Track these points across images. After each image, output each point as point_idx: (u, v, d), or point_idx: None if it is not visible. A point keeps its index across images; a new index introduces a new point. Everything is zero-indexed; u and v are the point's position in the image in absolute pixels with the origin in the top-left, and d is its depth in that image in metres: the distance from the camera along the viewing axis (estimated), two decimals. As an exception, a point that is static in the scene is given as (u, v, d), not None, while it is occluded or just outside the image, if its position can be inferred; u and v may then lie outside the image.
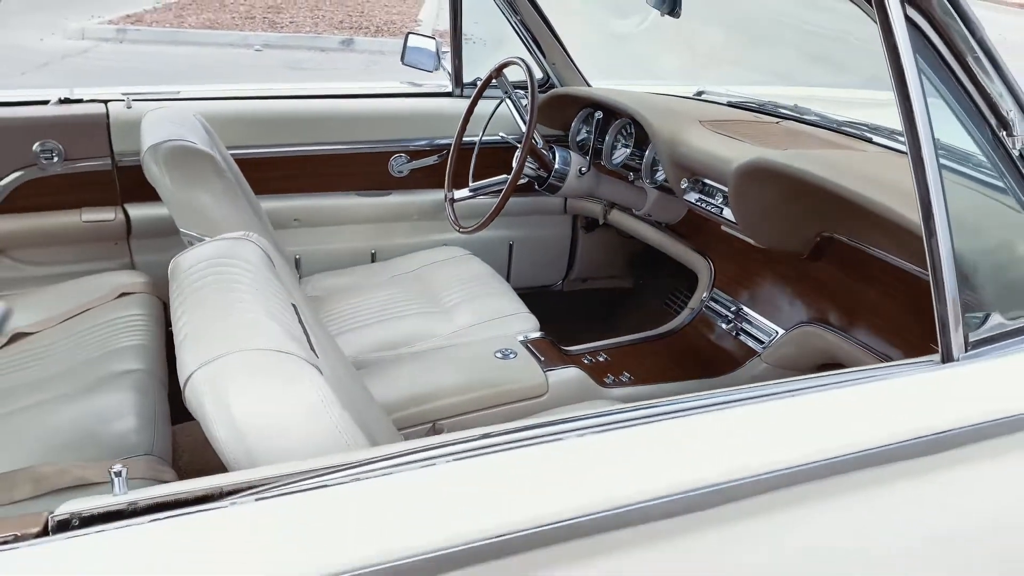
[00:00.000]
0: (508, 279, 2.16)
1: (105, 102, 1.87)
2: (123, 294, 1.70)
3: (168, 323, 1.61)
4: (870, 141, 1.63)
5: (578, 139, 2.11)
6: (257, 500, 0.60)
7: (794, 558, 0.75)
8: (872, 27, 0.83)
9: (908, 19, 0.82)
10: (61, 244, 1.88)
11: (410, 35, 2.22)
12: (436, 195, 2.13)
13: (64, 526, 0.56)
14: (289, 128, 2.03)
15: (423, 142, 2.15)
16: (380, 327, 1.70)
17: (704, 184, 1.69)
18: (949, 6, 0.82)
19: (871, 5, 0.82)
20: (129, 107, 1.86)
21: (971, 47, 0.84)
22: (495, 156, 2.07)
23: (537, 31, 2.17)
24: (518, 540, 0.62)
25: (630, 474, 0.68)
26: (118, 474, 0.61)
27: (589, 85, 2.21)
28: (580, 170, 1.91)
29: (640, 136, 1.91)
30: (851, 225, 1.46)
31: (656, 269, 2.26)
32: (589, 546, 0.65)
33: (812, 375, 0.82)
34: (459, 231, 1.90)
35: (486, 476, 0.66)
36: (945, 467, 0.79)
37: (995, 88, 0.86)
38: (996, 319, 0.88)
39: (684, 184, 1.72)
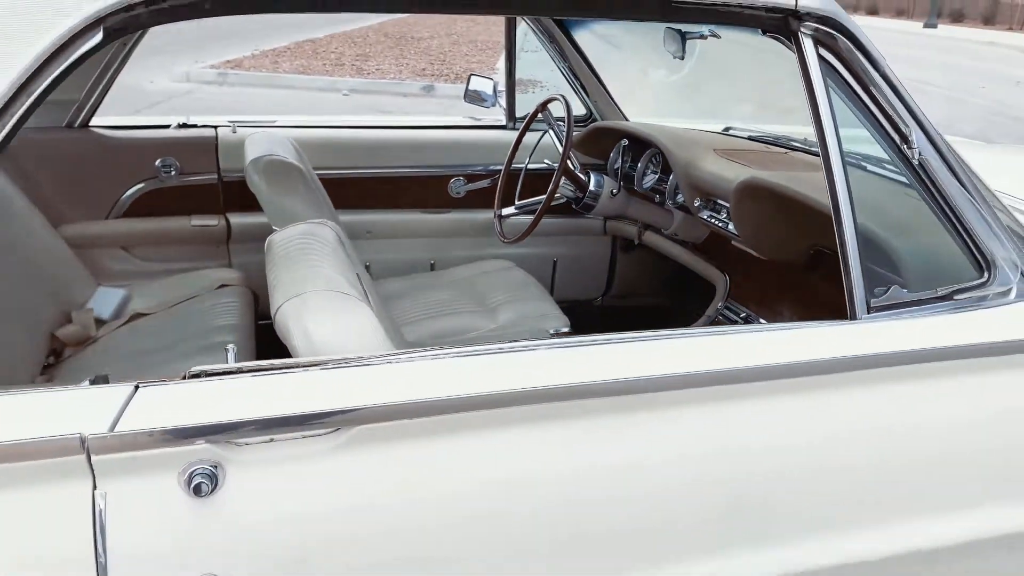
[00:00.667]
0: (552, 292, 2.44)
1: (215, 127, 2.24)
2: (222, 286, 2.04)
3: (258, 308, 1.95)
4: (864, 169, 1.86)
5: (615, 166, 2.39)
6: (321, 370, 0.89)
7: (725, 439, 0.99)
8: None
9: (821, 58, 1.08)
10: (173, 244, 2.24)
11: (472, 77, 2.56)
12: (489, 214, 2.44)
13: (196, 376, 0.86)
14: (365, 153, 2.37)
15: (479, 167, 2.46)
16: (434, 321, 2.00)
17: (715, 203, 1.95)
18: (852, 46, 1.08)
19: (793, 50, 1.08)
20: (234, 132, 2.24)
21: (872, 79, 1.09)
22: (540, 180, 2.37)
23: (582, 75, 2.47)
24: (482, 399, 0.89)
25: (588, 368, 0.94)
26: (227, 349, 0.91)
27: (627, 120, 2.49)
28: (612, 191, 2.19)
29: (666, 163, 2.18)
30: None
31: (690, 289, 2.50)
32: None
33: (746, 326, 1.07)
34: (504, 242, 2.19)
35: (475, 364, 0.93)
36: (826, 388, 1.03)
37: (896, 110, 1.11)
38: (898, 292, 1.11)
39: (697, 203, 1.98)
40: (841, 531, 1.02)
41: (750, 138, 2.27)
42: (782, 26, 1.07)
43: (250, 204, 2.13)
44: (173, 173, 2.20)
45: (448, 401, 0.87)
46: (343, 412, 0.84)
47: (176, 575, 0.80)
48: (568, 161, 2.08)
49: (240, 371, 0.87)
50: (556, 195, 2.08)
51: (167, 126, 2.23)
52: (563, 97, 2.11)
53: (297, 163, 1.83)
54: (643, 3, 1.06)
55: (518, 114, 2.54)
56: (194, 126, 2.25)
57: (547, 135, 2.29)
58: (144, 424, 0.78)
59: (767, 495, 1.00)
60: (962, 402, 1.08)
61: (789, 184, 1.64)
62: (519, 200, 2.26)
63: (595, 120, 2.52)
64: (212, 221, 2.24)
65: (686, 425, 0.97)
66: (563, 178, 2.11)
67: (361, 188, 2.37)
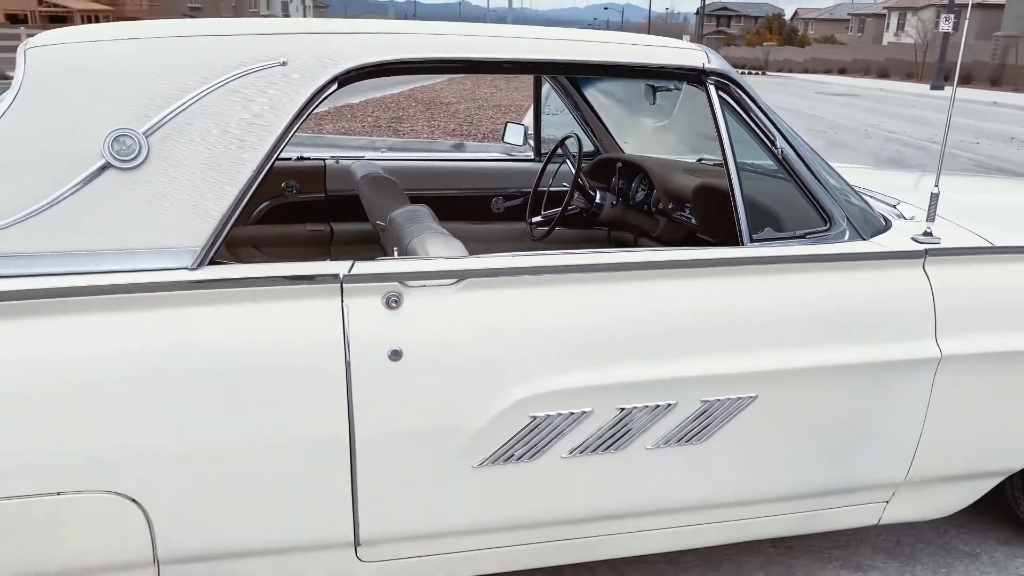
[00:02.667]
0: None
1: (323, 160, 3.09)
2: None
3: None
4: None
5: (614, 187, 3.20)
6: (446, 259, 1.68)
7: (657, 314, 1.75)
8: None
9: (720, 98, 1.88)
10: (291, 245, 3.06)
11: (508, 124, 3.40)
12: (521, 225, 3.24)
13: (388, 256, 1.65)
14: (429, 179, 3.20)
15: (513, 190, 3.28)
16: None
17: (684, 205, 2.73)
18: (739, 91, 1.87)
19: (705, 94, 1.88)
20: (337, 163, 3.08)
21: (751, 110, 1.88)
22: (559, 198, 3.19)
23: (591, 120, 3.31)
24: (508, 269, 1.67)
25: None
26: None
27: (623, 152, 3.31)
28: (612, 203, 3.00)
29: (651, 183, 2.98)
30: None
31: None
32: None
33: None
34: (533, 241, 2.99)
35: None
36: (724, 277, 1.78)
37: (765, 127, 1.90)
38: (770, 232, 1.89)
39: (671, 206, 2.77)
40: (725, 355, 1.77)
41: (715, 164, 3.07)
42: (697, 80, 1.88)
43: (348, 215, 2.97)
44: (293, 192, 3.04)
45: (513, 268, 1.66)
46: (458, 272, 1.63)
47: (374, 349, 1.57)
48: (580, 181, 2.90)
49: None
50: (571, 206, 2.90)
51: (289, 159, 3.07)
52: (576, 135, 2.94)
53: (391, 177, 2.66)
54: (607, 67, 1.86)
55: (542, 151, 3.37)
56: (308, 159, 3.09)
57: (564, 164, 3.11)
58: (365, 271, 1.58)
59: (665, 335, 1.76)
60: (788, 286, 1.83)
61: (723, 184, 2.44)
62: (544, 211, 3.08)
63: (600, 154, 3.34)
64: (321, 227, 3.06)
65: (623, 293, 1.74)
66: (576, 193, 2.93)
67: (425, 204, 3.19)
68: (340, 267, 1.59)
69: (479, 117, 13.43)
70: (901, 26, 54.27)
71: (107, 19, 43.79)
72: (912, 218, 2.15)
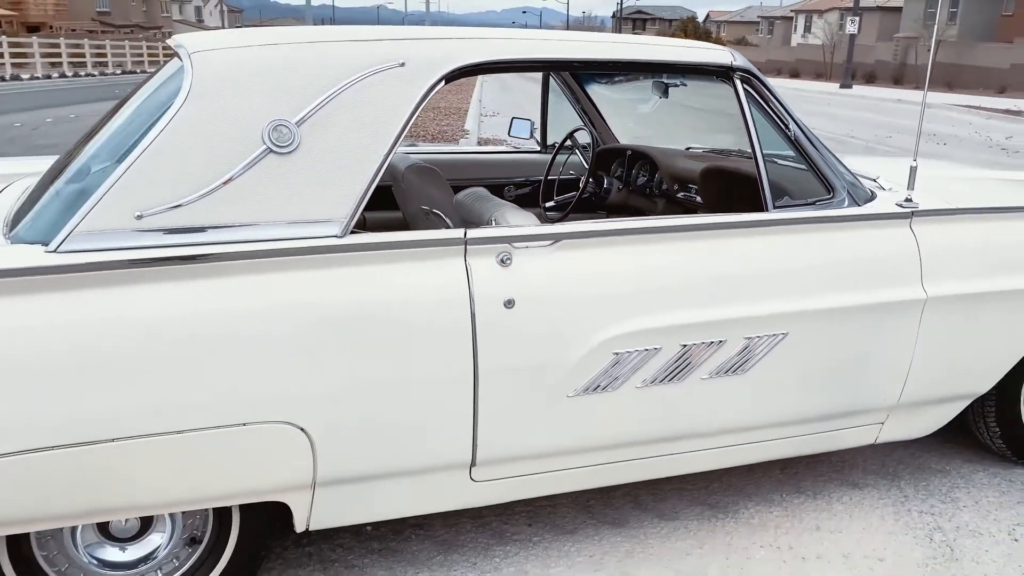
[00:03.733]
0: None
1: None
2: None
3: None
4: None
5: (615, 174, 3.58)
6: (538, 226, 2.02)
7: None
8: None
9: (746, 91, 2.27)
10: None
11: (513, 119, 3.75)
12: (535, 210, 3.58)
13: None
14: (449, 169, 3.51)
15: (522, 178, 3.63)
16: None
17: (688, 186, 3.13)
18: (761, 84, 2.27)
19: (733, 88, 2.26)
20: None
21: (769, 100, 2.28)
22: (567, 185, 3.55)
23: (591, 114, 3.68)
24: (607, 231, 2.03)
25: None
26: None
27: (619, 143, 3.70)
28: (618, 188, 3.38)
29: (652, 168, 3.37)
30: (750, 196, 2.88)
31: None
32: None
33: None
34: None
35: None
36: (751, 236, 2.17)
37: (780, 114, 2.30)
38: (788, 200, 2.29)
39: (676, 187, 3.17)
40: (762, 300, 2.16)
41: (704, 151, 3.49)
42: (725, 75, 2.27)
43: (379, 204, 3.26)
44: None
45: (594, 231, 2.02)
46: (553, 235, 1.98)
47: (492, 299, 1.89)
48: (589, 168, 3.27)
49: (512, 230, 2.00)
50: (585, 192, 3.27)
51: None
52: (585, 128, 3.31)
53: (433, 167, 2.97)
54: (646, 65, 2.23)
55: (547, 143, 3.73)
56: None
57: (568, 155, 3.47)
58: (482, 234, 1.91)
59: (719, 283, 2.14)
60: (807, 243, 2.23)
61: (731, 166, 2.84)
62: (557, 196, 3.44)
63: (599, 145, 3.72)
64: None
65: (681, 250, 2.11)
66: (590, 179, 3.30)
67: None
68: (460, 233, 1.92)
69: (423, 119, 13.70)
70: (808, 28, 56.64)
71: (11, 24, 42.15)
72: (891, 189, 2.58)
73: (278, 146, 1.81)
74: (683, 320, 2.07)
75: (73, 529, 1.86)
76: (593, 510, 2.52)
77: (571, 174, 3.57)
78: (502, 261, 1.93)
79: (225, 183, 1.78)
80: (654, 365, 2.07)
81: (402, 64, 1.94)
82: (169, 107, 1.81)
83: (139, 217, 1.72)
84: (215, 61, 1.85)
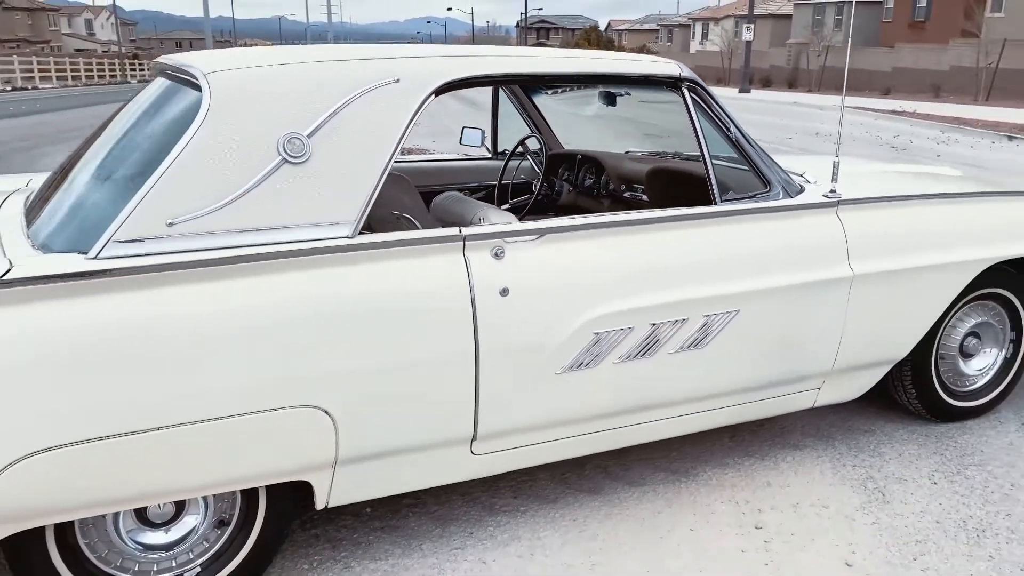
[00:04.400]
0: None
1: None
2: None
3: None
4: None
5: (565, 177, 3.85)
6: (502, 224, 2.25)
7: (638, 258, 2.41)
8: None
9: (692, 99, 2.57)
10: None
11: (465, 129, 3.97)
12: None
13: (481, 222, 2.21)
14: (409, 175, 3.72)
15: (475, 184, 3.86)
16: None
17: (633, 186, 3.42)
18: (705, 93, 2.57)
19: (683, 99, 2.56)
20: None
21: (712, 107, 2.59)
22: (519, 188, 3.80)
23: (537, 122, 3.95)
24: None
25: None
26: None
27: (564, 148, 3.98)
28: (567, 190, 3.65)
29: (598, 170, 3.65)
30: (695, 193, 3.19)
31: None
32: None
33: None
34: None
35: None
36: (702, 227, 2.48)
37: (722, 119, 2.61)
38: (732, 195, 2.60)
39: (623, 187, 3.46)
40: (718, 282, 2.45)
41: (643, 154, 3.80)
42: (674, 85, 2.56)
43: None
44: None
45: (572, 226, 2.27)
46: (538, 230, 2.22)
47: (489, 287, 2.12)
48: (541, 174, 3.53)
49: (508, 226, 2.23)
50: (539, 195, 3.52)
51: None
52: (537, 136, 3.57)
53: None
54: (607, 77, 2.51)
55: (499, 150, 3.98)
56: None
57: (523, 160, 3.73)
58: (478, 232, 2.14)
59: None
60: (751, 232, 2.55)
61: (675, 166, 3.15)
62: (512, 199, 3.68)
63: (548, 151, 3.99)
64: None
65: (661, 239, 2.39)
66: (544, 182, 3.56)
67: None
68: (458, 231, 2.14)
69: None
70: (705, 35, 58.75)
71: None
72: (816, 182, 2.93)
73: (292, 157, 2.00)
74: (652, 302, 2.34)
75: (115, 515, 1.99)
76: (569, 481, 2.77)
77: (522, 178, 3.82)
78: (496, 255, 2.16)
79: (246, 191, 1.95)
80: (628, 343, 2.34)
81: (397, 80, 2.15)
82: (188, 123, 1.98)
83: (170, 224, 1.88)
84: (230, 80, 2.02)
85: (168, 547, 2.07)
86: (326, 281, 1.99)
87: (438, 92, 2.20)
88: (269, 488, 2.10)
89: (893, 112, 20.98)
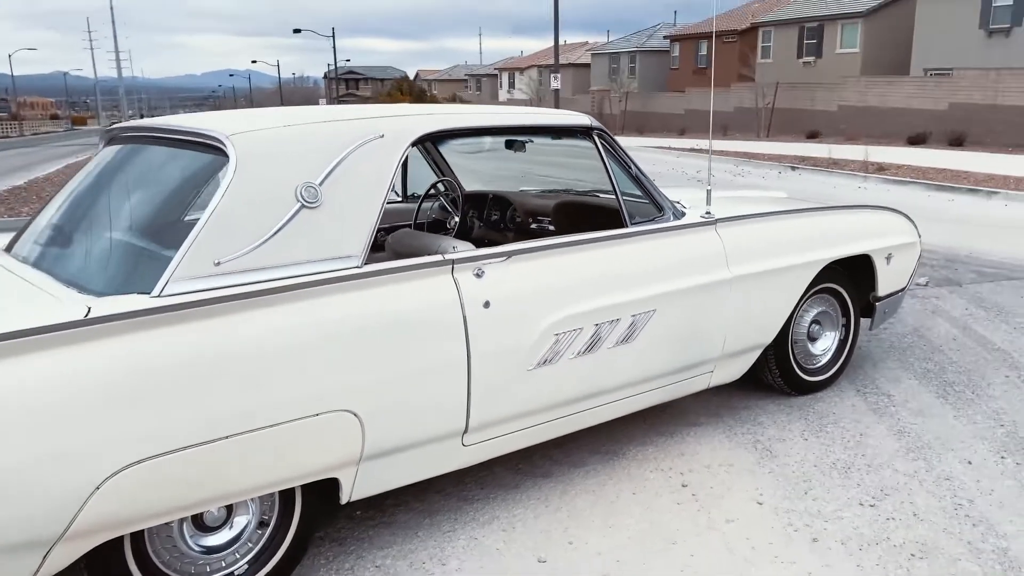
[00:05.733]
0: None
1: None
2: None
3: None
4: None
5: (471, 215, 4.34)
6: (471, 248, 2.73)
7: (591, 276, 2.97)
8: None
9: (602, 144, 3.16)
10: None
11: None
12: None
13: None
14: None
15: (389, 225, 4.26)
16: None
17: (538, 218, 3.98)
18: (611, 139, 3.18)
19: (594, 144, 3.15)
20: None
21: (616, 151, 3.20)
22: (432, 227, 4.25)
23: (443, 167, 4.44)
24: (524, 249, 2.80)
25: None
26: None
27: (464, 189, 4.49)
28: (478, 225, 4.16)
29: (503, 206, 4.17)
30: (598, 220, 3.79)
31: None
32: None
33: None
34: None
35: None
36: (612, 247, 3.07)
37: (624, 160, 3.22)
38: (645, 221, 3.21)
39: (530, 220, 4.00)
40: (639, 288, 3.04)
41: (538, 191, 4.38)
42: (587, 133, 3.15)
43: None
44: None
45: (521, 249, 2.77)
46: (506, 253, 2.71)
47: (475, 302, 2.57)
48: (452, 211, 4.02)
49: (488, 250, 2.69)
50: (451, 229, 4.00)
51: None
52: (450, 180, 4.05)
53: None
54: (535, 128, 3.07)
55: (407, 193, 4.42)
56: None
57: (431, 201, 4.19)
58: (462, 256, 2.59)
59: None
60: (656, 247, 3.17)
61: (578, 199, 3.74)
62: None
63: (454, 192, 4.48)
64: None
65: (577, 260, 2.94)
66: (455, 219, 4.05)
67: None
68: (446, 257, 2.58)
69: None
70: (512, 84, 61.48)
71: None
72: (690, 208, 3.61)
73: (309, 202, 2.38)
74: (593, 306, 2.88)
75: (180, 522, 2.25)
76: (523, 470, 3.23)
77: (432, 217, 4.28)
78: (476, 274, 2.63)
79: (275, 233, 2.31)
80: (580, 341, 2.86)
81: (382, 136, 2.58)
82: (209, 176, 2.32)
83: (217, 264, 2.21)
84: (251, 141, 2.37)
85: (221, 548, 2.34)
86: (345, 304, 2.37)
87: (414, 144, 2.65)
88: (304, 487, 2.42)
89: (692, 150, 23.14)
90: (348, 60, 74.72)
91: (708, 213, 3.42)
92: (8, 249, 2.84)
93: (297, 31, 51.57)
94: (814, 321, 3.95)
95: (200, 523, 2.31)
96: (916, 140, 21.88)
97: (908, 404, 3.86)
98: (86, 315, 1.99)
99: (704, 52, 42.01)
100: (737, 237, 3.43)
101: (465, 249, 2.72)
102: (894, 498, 2.98)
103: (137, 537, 2.17)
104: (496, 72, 65.58)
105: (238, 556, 2.37)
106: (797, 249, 3.63)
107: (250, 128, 2.42)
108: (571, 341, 2.83)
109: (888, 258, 4.06)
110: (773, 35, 35.50)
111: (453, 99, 60.68)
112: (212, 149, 2.40)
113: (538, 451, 3.34)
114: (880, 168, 15.27)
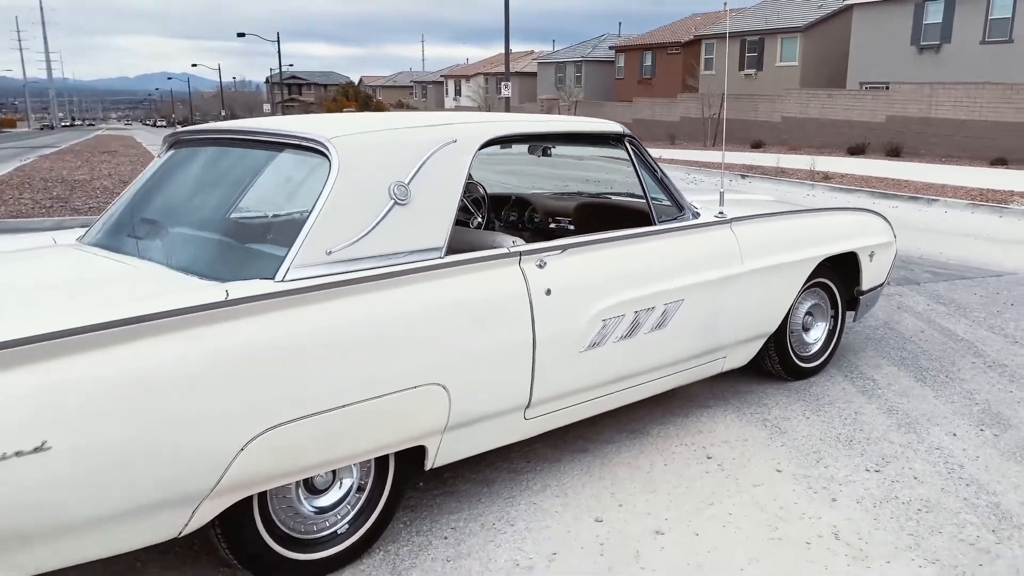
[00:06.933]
0: None
1: None
2: None
3: None
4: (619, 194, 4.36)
5: (492, 215, 4.63)
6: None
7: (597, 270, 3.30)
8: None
9: (632, 150, 3.50)
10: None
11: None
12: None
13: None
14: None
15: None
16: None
17: (557, 219, 4.29)
18: (639, 145, 3.52)
19: (626, 150, 3.48)
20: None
21: (644, 156, 3.54)
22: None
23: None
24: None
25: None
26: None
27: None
28: (499, 225, 4.45)
29: (521, 207, 4.47)
30: (617, 220, 4.11)
31: None
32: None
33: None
34: None
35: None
36: (643, 243, 3.41)
37: (650, 163, 3.56)
38: (666, 220, 3.55)
39: (549, 220, 4.31)
40: (671, 279, 3.37)
41: (551, 194, 4.69)
42: (619, 140, 3.48)
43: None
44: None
45: (567, 244, 3.09)
46: (561, 246, 3.01)
47: (539, 289, 2.86)
48: (477, 213, 4.31)
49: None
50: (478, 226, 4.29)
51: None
52: (473, 182, 4.34)
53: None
54: (576, 135, 3.39)
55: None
56: None
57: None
58: (527, 249, 2.89)
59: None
60: (681, 243, 3.52)
61: (598, 201, 4.07)
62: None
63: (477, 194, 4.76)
64: None
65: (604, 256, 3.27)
66: (481, 219, 4.33)
67: None
68: (515, 249, 2.88)
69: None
70: (458, 91, 61.81)
71: None
72: (703, 209, 3.97)
73: (400, 200, 2.65)
74: (634, 295, 3.21)
75: (296, 484, 2.49)
76: (561, 447, 3.54)
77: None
78: (539, 265, 2.93)
79: (374, 227, 2.58)
80: (622, 327, 3.18)
81: (455, 140, 2.87)
82: (308, 174, 2.58)
83: (329, 253, 2.47)
84: (350, 144, 2.63)
85: (328, 509, 2.59)
86: (433, 290, 2.65)
87: (482, 147, 2.95)
88: (397, 454, 2.68)
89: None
90: (291, 64, 73.99)
91: (721, 213, 3.79)
92: (90, 242, 3.03)
93: (241, 35, 51.04)
94: (807, 313, 4.36)
95: (311, 486, 2.55)
96: (856, 150, 22.91)
97: (892, 387, 4.29)
98: (226, 297, 2.23)
99: (649, 63, 43.01)
100: (749, 235, 3.80)
101: (522, 241, 3.02)
102: (894, 465, 3.37)
103: (261, 499, 2.41)
104: (442, 79, 65.83)
105: (339, 517, 2.62)
106: (799, 246, 4.02)
107: (347, 132, 2.68)
108: (616, 326, 3.15)
109: (871, 255, 4.49)
110: (716, 48, 36.60)
111: (400, 105, 60.68)
112: (312, 151, 2.65)
113: (570, 431, 3.65)
114: (826, 177, 16.03)
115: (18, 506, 1.89)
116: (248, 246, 2.58)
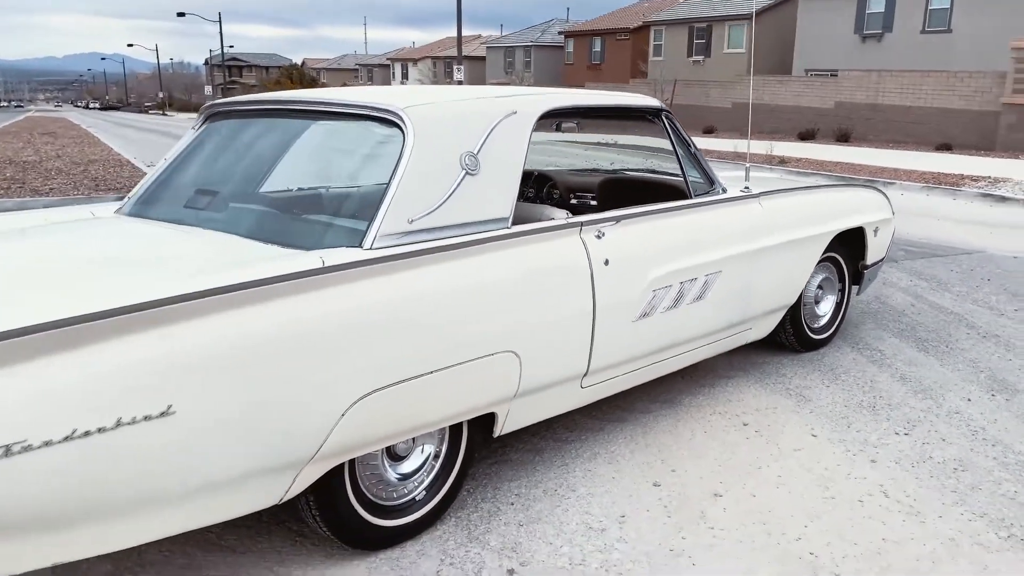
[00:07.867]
0: None
1: None
2: None
3: None
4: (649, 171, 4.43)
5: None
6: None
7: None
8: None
9: (668, 123, 3.57)
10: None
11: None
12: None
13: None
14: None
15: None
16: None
17: (580, 194, 4.34)
18: (673, 120, 3.58)
19: (659, 124, 3.55)
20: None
21: (677, 130, 3.61)
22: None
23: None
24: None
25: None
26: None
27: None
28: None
29: (539, 184, 4.51)
30: (641, 195, 4.18)
31: None
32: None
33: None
34: None
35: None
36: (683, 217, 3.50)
37: (683, 137, 3.64)
38: (702, 193, 3.63)
39: (571, 195, 4.36)
40: (711, 251, 3.46)
41: (571, 170, 4.74)
42: (657, 114, 3.54)
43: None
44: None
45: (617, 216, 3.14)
46: (615, 217, 3.07)
47: (599, 259, 2.91)
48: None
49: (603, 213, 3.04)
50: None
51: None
52: None
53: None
54: (615, 108, 3.45)
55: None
56: None
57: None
58: (587, 220, 2.93)
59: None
60: (716, 215, 3.61)
61: (623, 177, 4.13)
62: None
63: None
64: None
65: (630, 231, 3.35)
66: None
67: None
68: (575, 220, 2.92)
69: (94, 172, 13.05)
70: (405, 75, 61.20)
71: None
72: (729, 185, 4.06)
73: (471, 170, 2.67)
74: (680, 266, 3.28)
75: (382, 451, 2.50)
76: (599, 417, 3.60)
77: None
78: (598, 236, 2.97)
79: (449, 196, 2.59)
80: (669, 297, 3.25)
81: (515, 112, 2.89)
82: (383, 144, 2.59)
83: (410, 221, 2.47)
84: (424, 114, 2.63)
85: (409, 476, 2.60)
86: (504, 259, 2.67)
87: (540, 119, 2.97)
88: (470, 421, 2.71)
89: (599, 144, 23.95)
90: (232, 46, 72.28)
91: (747, 188, 3.88)
92: (136, 213, 2.97)
93: (181, 14, 49.67)
94: (819, 286, 4.50)
95: (393, 453, 2.57)
96: (806, 136, 23.47)
97: (898, 357, 4.47)
98: (323, 264, 2.22)
99: (598, 49, 43.22)
100: (775, 208, 3.91)
101: (579, 213, 3.06)
102: (921, 428, 3.53)
103: (351, 466, 2.42)
104: (388, 62, 65.12)
105: (416, 484, 2.65)
106: (819, 220, 4.15)
107: (419, 103, 2.69)
108: (663, 297, 3.22)
109: (875, 231, 4.66)
110: (664, 34, 36.98)
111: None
112: (384, 122, 2.65)
113: (604, 403, 3.71)
114: (783, 161, 16.40)
115: (145, 472, 1.87)
116: (326, 216, 2.57)
